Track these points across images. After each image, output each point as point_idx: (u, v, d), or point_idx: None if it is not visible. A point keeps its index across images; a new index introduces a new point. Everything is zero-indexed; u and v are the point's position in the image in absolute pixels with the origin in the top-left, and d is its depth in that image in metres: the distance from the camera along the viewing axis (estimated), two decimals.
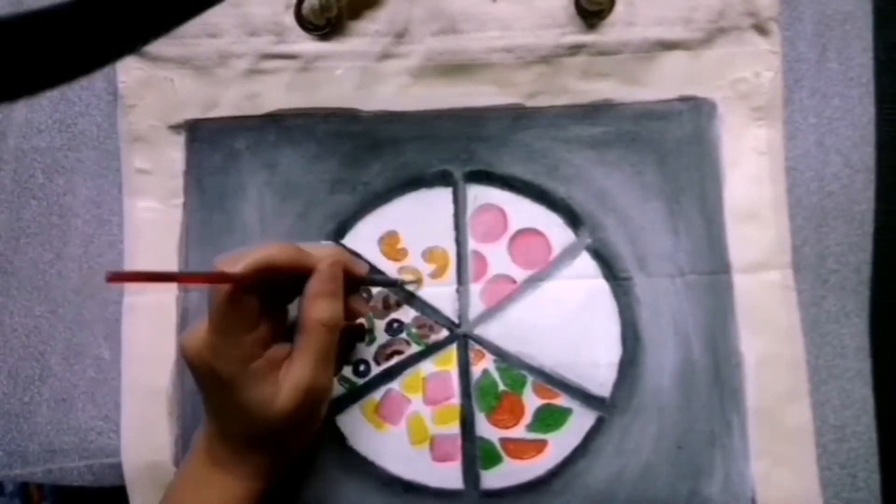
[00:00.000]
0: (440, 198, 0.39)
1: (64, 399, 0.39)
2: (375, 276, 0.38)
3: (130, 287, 0.39)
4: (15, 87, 0.22)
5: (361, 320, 0.38)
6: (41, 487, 0.61)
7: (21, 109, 0.41)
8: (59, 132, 0.41)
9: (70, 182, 0.40)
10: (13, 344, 0.40)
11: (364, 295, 0.38)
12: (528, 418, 0.37)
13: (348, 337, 0.37)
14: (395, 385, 0.38)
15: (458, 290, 0.38)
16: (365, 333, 0.38)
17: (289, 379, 0.31)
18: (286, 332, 0.33)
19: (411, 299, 0.38)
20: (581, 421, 0.37)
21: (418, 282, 0.38)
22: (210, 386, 0.32)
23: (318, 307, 0.32)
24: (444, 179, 0.39)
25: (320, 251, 0.33)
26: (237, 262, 0.30)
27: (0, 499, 0.61)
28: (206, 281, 0.31)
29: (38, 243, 0.40)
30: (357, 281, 0.36)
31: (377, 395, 0.38)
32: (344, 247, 0.38)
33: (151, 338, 0.38)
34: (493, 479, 0.37)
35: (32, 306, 0.40)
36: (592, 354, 0.37)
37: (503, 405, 0.37)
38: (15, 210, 0.40)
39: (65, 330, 0.39)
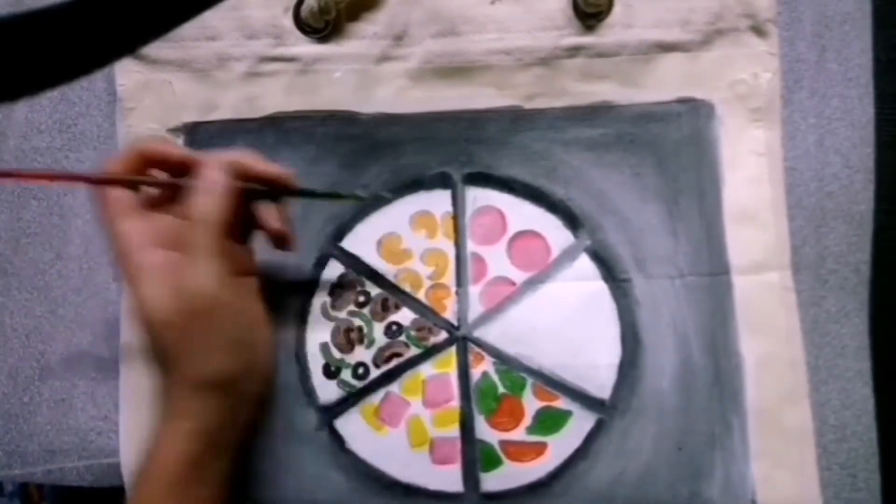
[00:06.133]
0: (439, 200, 0.39)
1: (64, 399, 0.39)
2: (305, 189, 0.36)
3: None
4: (15, 87, 0.22)
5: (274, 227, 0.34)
6: (41, 487, 0.61)
7: (21, 109, 0.41)
8: (59, 132, 0.41)
9: None
10: (13, 344, 0.40)
11: (360, 289, 0.38)
12: (527, 421, 0.37)
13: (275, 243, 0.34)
14: (394, 388, 0.38)
15: (457, 293, 0.38)
16: (287, 244, 0.34)
17: (170, 280, 0.30)
18: None
19: (410, 301, 0.38)
20: (581, 423, 0.37)
21: (365, 198, 0.38)
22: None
23: (194, 202, 0.31)
24: (443, 181, 0.39)
25: (217, 156, 0.32)
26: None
27: (0, 499, 0.61)
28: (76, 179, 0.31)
29: (38, 243, 0.40)
30: (285, 191, 0.34)
31: (376, 398, 0.38)
32: (343, 249, 0.39)
33: None
34: (492, 481, 0.37)
35: (32, 306, 0.40)
36: (592, 356, 0.37)
37: (503, 408, 0.37)
38: (15, 210, 0.41)
39: (65, 330, 0.40)
